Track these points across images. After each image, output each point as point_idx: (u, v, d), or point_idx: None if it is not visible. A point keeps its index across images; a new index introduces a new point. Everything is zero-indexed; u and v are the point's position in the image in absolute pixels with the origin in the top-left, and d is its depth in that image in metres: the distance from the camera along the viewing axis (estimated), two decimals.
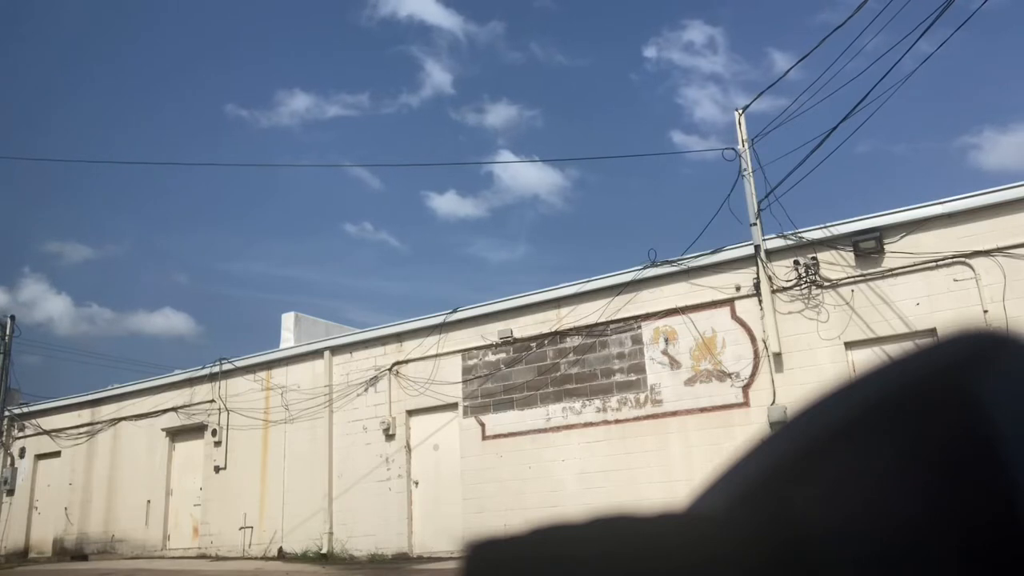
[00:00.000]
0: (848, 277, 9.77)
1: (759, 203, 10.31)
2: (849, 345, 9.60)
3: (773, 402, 9.75)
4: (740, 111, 10.88)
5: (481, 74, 43.16)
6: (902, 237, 9.56)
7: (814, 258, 9.98)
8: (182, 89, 40.59)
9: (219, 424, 14.74)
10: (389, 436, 12.73)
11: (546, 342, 11.67)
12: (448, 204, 43.00)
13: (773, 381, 9.87)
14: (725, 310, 10.47)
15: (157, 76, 40.52)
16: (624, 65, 41.35)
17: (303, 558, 12.70)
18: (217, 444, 14.68)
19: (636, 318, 11.04)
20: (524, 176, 42.18)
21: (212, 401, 15.01)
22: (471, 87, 43.24)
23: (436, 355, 12.58)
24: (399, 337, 13.15)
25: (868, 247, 9.65)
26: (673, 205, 36.26)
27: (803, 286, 9.97)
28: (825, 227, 9.97)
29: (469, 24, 43.48)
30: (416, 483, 12.43)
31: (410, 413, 12.71)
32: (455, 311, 12.60)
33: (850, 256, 9.79)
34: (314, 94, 44.12)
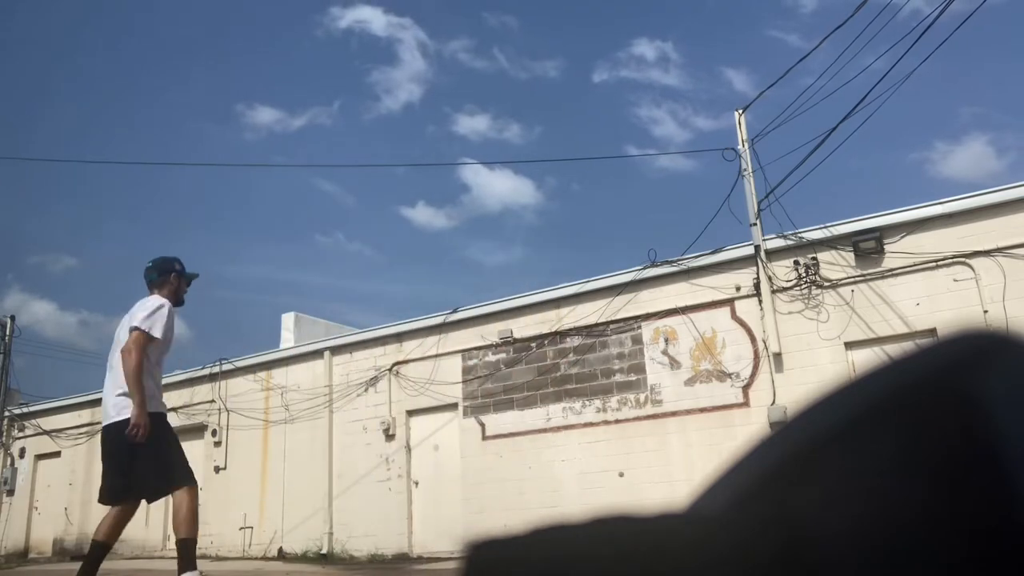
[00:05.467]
0: (848, 277, 9.78)
1: (759, 203, 10.32)
2: (849, 345, 9.60)
3: (773, 402, 9.76)
4: (740, 111, 10.89)
5: (450, 88, 43.37)
6: (902, 237, 9.56)
7: (814, 258, 9.98)
8: (145, 108, 40.79)
9: (219, 424, 14.74)
10: (389, 436, 12.73)
11: (546, 342, 11.67)
12: (431, 215, 43.28)
13: (773, 381, 9.87)
14: (725, 310, 10.47)
15: (123, 88, 40.66)
16: (592, 76, 41.62)
17: (303, 558, 12.70)
18: (217, 444, 14.68)
19: (636, 318, 11.04)
20: (501, 188, 42.49)
21: (212, 401, 15.01)
22: (442, 101, 43.51)
23: (436, 355, 12.59)
24: (399, 337, 13.15)
25: (868, 247, 9.65)
26: (649, 212, 36.63)
27: (803, 286, 9.97)
28: (825, 227, 9.97)
29: (435, 39, 43.74)
30: (416, 483, 12.43)
31: (410, 413, 12.71)
32: (455, 311, 12.60)
33: (850, 256, 9.79)
34: (280, 110, 44.27)
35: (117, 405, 4.47)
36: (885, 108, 8.76)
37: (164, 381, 17.36)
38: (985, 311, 8.82)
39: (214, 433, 14.75)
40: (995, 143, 37.75)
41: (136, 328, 4.47)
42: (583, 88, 41.44)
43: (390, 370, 13.02)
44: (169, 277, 4.77)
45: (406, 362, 12.95)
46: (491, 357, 12.12)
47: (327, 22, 42.92)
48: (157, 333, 4.54)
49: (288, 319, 16.56)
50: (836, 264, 9.88)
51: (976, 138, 39.99)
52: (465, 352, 12.36)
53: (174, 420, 15.34)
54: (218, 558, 13.59)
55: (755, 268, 10.23)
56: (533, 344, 11.76)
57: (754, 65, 38.86)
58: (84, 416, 17.01)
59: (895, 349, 0.34)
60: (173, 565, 4.78)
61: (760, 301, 10.13)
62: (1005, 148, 36.24)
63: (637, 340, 11.00)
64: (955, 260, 9.17)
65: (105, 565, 4.74)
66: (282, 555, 13.05)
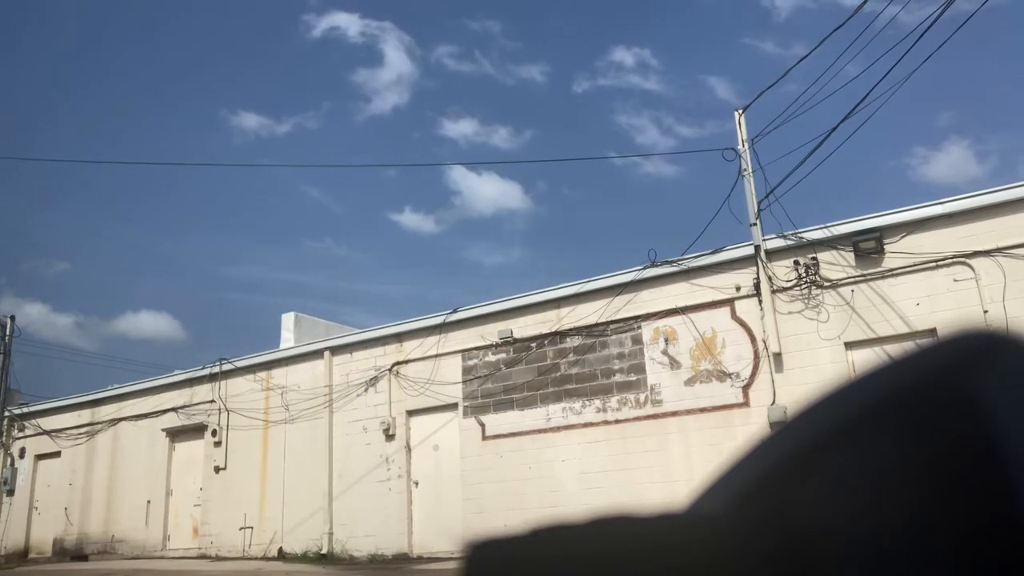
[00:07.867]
0: (848, 277, 9.77)
1: (759, 203, 10.32)
2: (849, 345, 9.60)
3: (773, 402, 9.76)
4: (740, 112, 10.88)
5: (436, 92, 43.45)
6: (902, 237, 9.56)
7: (814, 258, 9.98)
8: (139, 113, 40.94)
9: (219, 424, 14.74)
10: (389, 436, 12.73)
11: (546, 342, 11.67)
12: (420, 220, 43.39)
13: (773, 381, 9.87)
14: (725, 310, 10.47)
15: (118, 92, 40.82)
16: (574, 85, 41.74)
17: (303, 558, 12.70)
18: (217, 444, 14.68)
19: (636, 318, 11.03)
20: (490, 192, 42.69)
21: (212, 401, 15.01)
22: (427, 105, 43.58)
23: (436, 355, 12.58)
24: (399, 337, 13.15)
25: (868, 247, 9.65)
26: (639, 216, 36.86)
27: (803, 286, 9.97)
28: (825, 227, 9.97)
29: (420, 46, 43.83)
30: (416, 483, 12.43)
31: (410, 413, 12.71)
32: (455, 311, 12.60)
33: (850, 256, 9.79)
34: (266, 117, 44.38)
35: None
36: (866, 115, 8.74)
37: (164, 382, 17.35)
38: (985, 311, 8.81)
39: (214, 433, 14.75)
40: (975, 148, 37.99)
41: None
42: (567, 95, 41.70)
43: (390, 370, 13.02)
44: None
45: (406, 362, 12.95)
46: (491, 357, 12.12)
47: (301, 31, 43.04)
48: None
49: (288, 319, 16.56)
50: (836, 264, 9.88)
51: (956, 143, 40.23)
52: (465, 352, 12.36)
53: (175, 420, 15.43)
54: (218, 558, 13.59)
55: (755, 268, 10.23)
56: (533, 344, 11.76)
57: (734, 74, 39.25)
58: (84, 416, 17.01)
59: (895, 349, 0.34)
60: (173, 565, 4.81)
61: (760, 301, 10.13)
62: (986, 153, 36.40)
63: (637, 340, 11.00)
64: (955, 260, 9.17)
65: (105, 565, 4.74)
66: (282, 555, 13.05)
